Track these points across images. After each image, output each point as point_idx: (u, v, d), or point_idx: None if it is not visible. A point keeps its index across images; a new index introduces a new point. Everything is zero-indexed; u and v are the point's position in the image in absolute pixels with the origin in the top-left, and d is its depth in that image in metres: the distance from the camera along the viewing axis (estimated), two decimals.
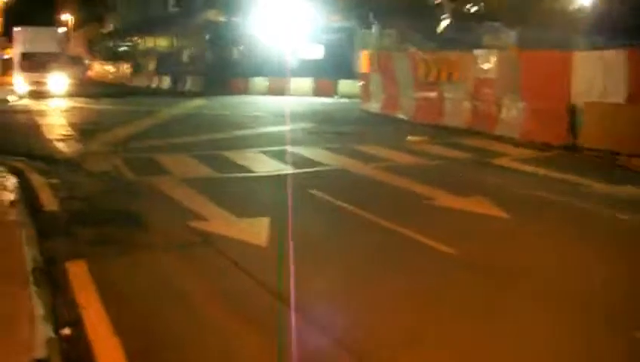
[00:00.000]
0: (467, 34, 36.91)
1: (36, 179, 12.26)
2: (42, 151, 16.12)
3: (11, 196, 10.16)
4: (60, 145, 17.08)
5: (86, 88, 44.62)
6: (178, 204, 10.48)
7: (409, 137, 18.76)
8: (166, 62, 56.38)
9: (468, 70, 20.67)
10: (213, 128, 21.19)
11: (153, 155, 15.22)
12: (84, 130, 20.52)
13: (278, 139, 18.47)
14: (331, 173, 13.64)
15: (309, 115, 26.11)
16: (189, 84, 47.73)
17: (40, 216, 9.45)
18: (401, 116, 23.88)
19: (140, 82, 58.59)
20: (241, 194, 11.52)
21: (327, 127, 21.39)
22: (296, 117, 24.77)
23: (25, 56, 38.69)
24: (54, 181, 12.15)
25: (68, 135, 19.33)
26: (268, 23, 41.96)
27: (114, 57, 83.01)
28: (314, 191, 11.46)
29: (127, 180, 12.58)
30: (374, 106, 26.38)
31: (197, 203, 10.52)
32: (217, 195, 11.03)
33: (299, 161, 14.63)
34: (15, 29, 40.80)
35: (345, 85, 37.74)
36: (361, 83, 28.79)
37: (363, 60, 28.16)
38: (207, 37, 46.20)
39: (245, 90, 40.83)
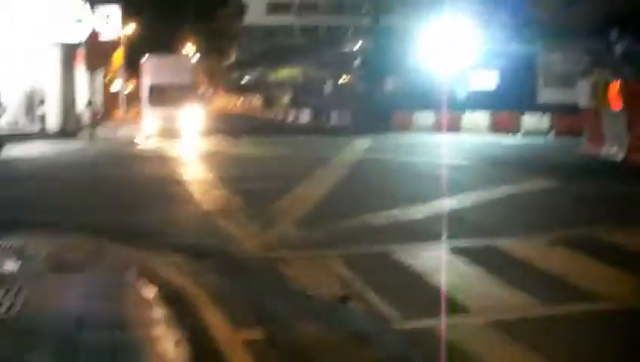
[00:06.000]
0: None
1: (221, 329, 6.20)
2: (204, 236, 10.18)
3: None
4: (228, 226, 11.00)
5: (217, 123, 39.39)
6: None
7: None
8: (304, 93, 51.03)
9: None
10: (427, 189, 14.74)
11: (389, 250, 9.08)
12: (248, 191, 14.52)
13: (548, 211, 12.25)
14: None
15: (524, 164, 19.88)
16: (334, 118, 41.97)
17: None
18: None
19: (274, 115, 53.57)
20: None
21: (579, 188, 14.81)
22: (511, 167, 19.03)
23: (154, 88, 33.42)
24: (257, 337, 6.05)
25: (229, 201, 13.38)
26: (429, 49, 35.96)
27: (239, 89, 79.21)
28: None
29: (398, 332, 6.29)
30: (612, 153, 19.54)
31: None
32: None
33: None
34: (143, 58, 35.70)
35: (529, 120, 31.30)
36: (586, 121, 22.09)
37: (585, 91, 21.43)
38: (356, 66, 40.25)
39: (408, 127, 34.52)
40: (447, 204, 12.63)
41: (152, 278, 7.47)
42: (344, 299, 7.08)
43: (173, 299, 6.82)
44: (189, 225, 11.05)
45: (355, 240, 9.77)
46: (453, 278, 7.76)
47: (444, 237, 9.75)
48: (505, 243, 9.42)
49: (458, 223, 11.00)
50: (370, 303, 6.97)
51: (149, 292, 6.89)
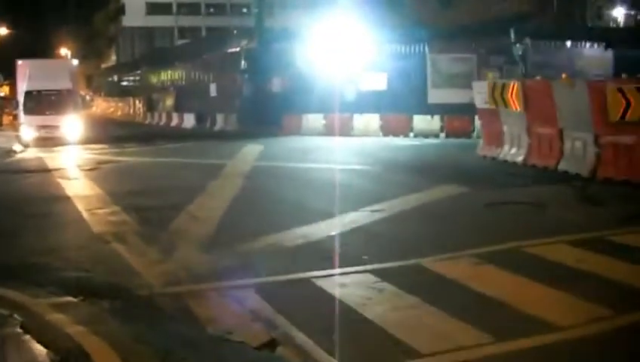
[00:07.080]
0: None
1: None
2: (97, 268, 8.93)
3: None
4: (123, 252, 9.79)
5: (98, 130, 37.50)
6: None
7: None
8: (187, 97, 49.48)
9: None
10: (334, 200, 13.58)
11: (308, 276, 8.20)
12: (141, 208, 13.24)
13: (464, 222, 11.67)
14: None
15: (426, 167, 19.49)
16: (220, 122, 40.76)
17: None
18: (567, 169, 16.77)
19: (157, 120, 51.87)
20: None
21: (488, 194, 14.29)
22: (414, 172, 18.58)
23: (31, 94, 31.37)
24: None
25: (121, 221, 12.12)
26: (317, 50, 35.28)
27: (119, 93, 76.63)
28: None
29: None
30: (511, 154, 19.34)
31: None
32: None
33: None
34: (19, 61, 33.47)
35: (420, 121, 31.09)
36: (483, 122, 21.90)
37: (481, 91, 21.16)
38: (242, 67, 39.09)
39: (298, 130, 33.67)
40: (359, 217, 11.85)
41: (41, 330, 6.27)
42: (272, 344, 6.10)
43: (68, 358, 5.66)
44: (78, 254, 9.70)
45: (269, 266, 8.74)
46: (389, 311, 6.92)
47: (365, 257, 8.91)
48: (431, 263, 8.64)
49: (376, 240, 10.23)
50: (302, 349, 6.01)
51: (38, 350, 5.69)
